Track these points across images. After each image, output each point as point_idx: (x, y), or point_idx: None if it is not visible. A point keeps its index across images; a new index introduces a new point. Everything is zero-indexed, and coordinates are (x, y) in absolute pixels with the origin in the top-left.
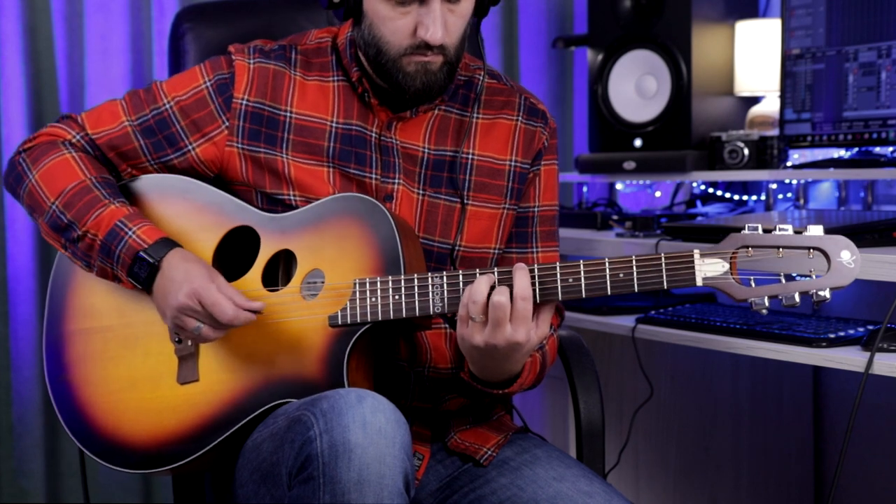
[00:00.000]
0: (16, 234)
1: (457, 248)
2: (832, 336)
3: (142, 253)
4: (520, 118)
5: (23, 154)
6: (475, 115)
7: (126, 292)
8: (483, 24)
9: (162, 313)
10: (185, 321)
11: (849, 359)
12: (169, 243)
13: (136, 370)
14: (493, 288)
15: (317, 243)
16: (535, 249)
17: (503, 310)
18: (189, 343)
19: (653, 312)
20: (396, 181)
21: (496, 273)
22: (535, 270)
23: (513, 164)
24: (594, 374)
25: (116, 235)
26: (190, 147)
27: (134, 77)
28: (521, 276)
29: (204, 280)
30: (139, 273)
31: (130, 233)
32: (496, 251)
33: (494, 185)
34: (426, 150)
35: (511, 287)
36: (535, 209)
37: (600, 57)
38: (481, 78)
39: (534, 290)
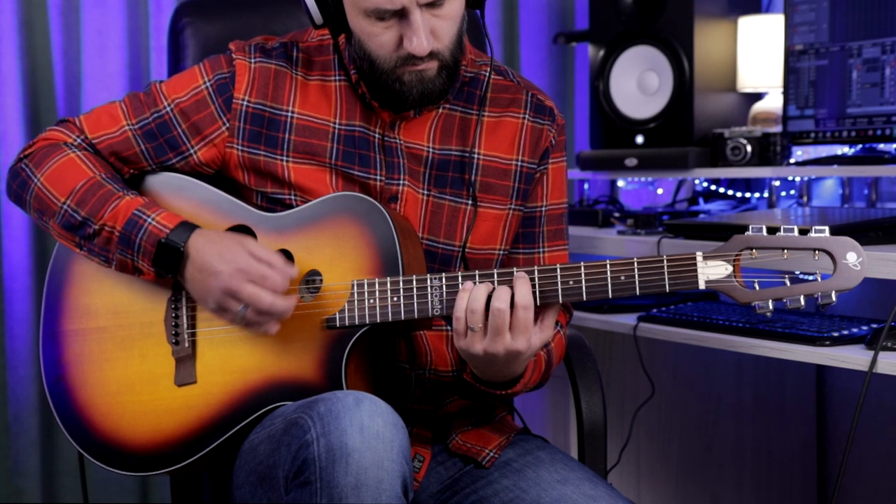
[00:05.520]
0: (12, 232)
1: (465, 249)
2: (835, 335)
3: (164, 240)
4: (526, 116)
5: (24, 160)
6: (481, 113)
7: (122, 292)
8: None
9: (201, 299)
10: (229, 304)
11: (852, 357)
12: (190, 226)
13: (133, 372)
14: (490, 294)
15: (314, 243)
16: (542, 250)
17: (503, 317)
18: (186, 345)
19: (655, 311)
20: (401, 182)
21: (496, 275)
22: (535, 273)
23: (519, 164)
24: (596, 374)
25: (136, 224)
26: (191, 151)
27: (131, 73)
28: (522, 285)
29: (244, 257)
30: (166, 261)
31: (150, 220)
32: (501, 252)
33: (500, 186)
34: (431, 150)
35: (511, 291)
36: (543, 209)
37: (602, 53)
38: (487, 75)
39: (534, 294)
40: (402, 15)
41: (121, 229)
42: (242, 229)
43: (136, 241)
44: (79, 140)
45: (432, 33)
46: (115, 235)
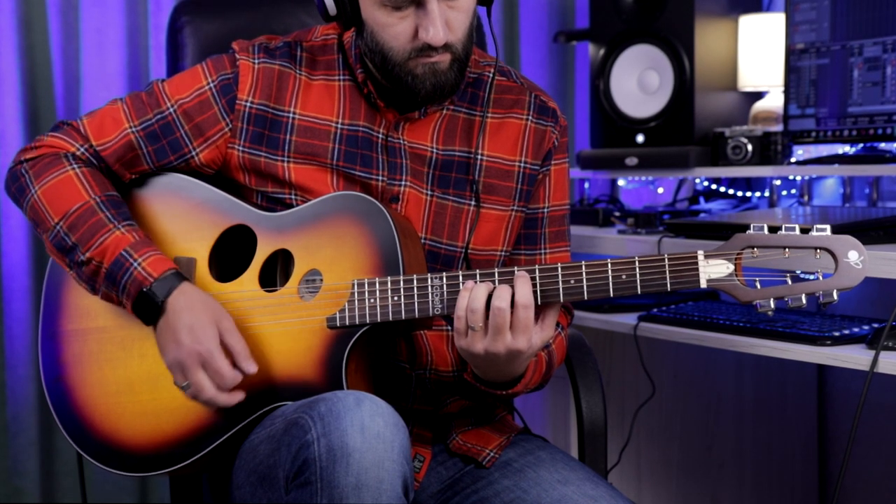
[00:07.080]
0: (10, 231)
1: (468, 249)
2: (836, 334)
3: (145, 290)
4: (530, 117)
5: (24, 164)
6: (485, 114)
7: None
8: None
9: (160, 351)
10: (176, 374)
11: (853, 357)
12: (175, 278)
13: (133, 372)
14: (491, 294)
15: (314, 243)
16: (543, 251)
17: (503, 316)
18: None
19: (655, 310)
20: (404, 183)
21: (497, 275)
22: (537, 272)
23: (522, 165)
24: (597, 374)
25: (122, 266)
26: (193, 153)
27: (130, 71)
28: (523, 284)
29: (210, 342)
30: (145, 314)
31: (136, 264)
32: (503, 253)
33: (503, 187)
34: (434, 151)
35: (512, 290)
36: (545, 210)
37: (602, 52)
38: (490, 76)
39: (535, 293)
40: (418, 4)
41: (107, 267)
42: (242, 229)
43: (120, 282)
44: (82, 149)
45: (447, 25)
46: (102, 270)
